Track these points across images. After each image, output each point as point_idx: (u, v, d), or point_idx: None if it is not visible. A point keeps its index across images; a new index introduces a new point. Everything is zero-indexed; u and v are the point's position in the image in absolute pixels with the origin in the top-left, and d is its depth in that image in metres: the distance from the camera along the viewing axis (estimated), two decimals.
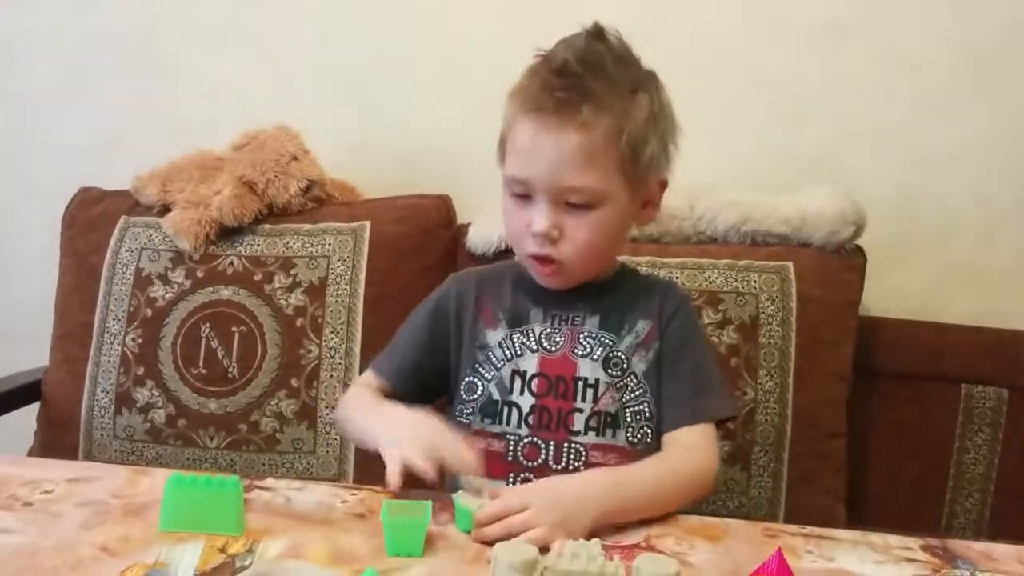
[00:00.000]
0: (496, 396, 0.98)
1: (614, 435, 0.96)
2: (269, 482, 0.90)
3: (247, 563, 0.72)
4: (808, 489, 1.30)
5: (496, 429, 0.98)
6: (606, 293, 1.01)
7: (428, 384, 1.04)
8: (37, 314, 1.50)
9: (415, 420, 0.90)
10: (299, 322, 1.38)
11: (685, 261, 1.37)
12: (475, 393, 0.99)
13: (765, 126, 1.51)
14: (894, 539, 0.83)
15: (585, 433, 0.96)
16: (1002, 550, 0.82)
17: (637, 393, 0.98)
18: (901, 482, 1.38)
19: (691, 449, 0.95)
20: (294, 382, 1.36)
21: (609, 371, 0.97)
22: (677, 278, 1.35)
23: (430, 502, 0.78)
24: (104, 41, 1.64)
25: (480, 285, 1.05)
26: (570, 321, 1.00)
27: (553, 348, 0.98)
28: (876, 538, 0.83)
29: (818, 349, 1.33)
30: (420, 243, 1.43)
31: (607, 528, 0.82)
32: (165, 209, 1.44)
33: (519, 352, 0.99)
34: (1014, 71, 1.46)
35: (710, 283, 1.35)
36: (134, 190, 1.48)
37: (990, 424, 1.38)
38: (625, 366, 0.98)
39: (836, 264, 1.37)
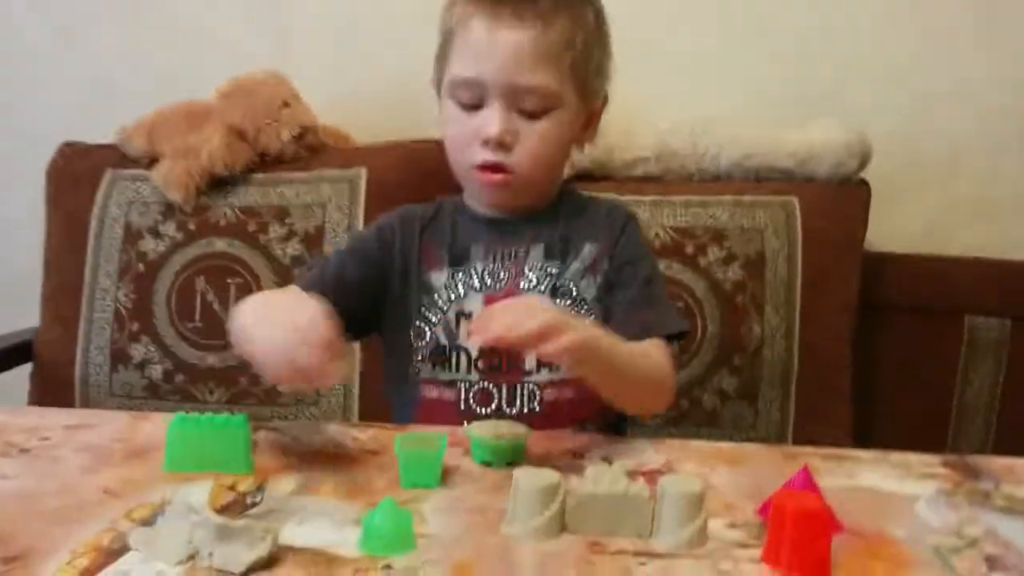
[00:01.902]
0: (443, 341, 0.93)
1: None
2: (275, 423, 0.88)
3: (258, 499, 0.69)
4: (815, 423, 1.30)
5: (446, 376, 0.93)
6: (549, 219, 0.96)
7: (362, 307, 0.93)
8: (25, 272, 1.46)
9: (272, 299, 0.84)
10: (296, 272, 1.35)
11: (689, 199, 1.35)
12: (423, 339, 0.95)
13: (768, 64, 1.48)
14: (914, 457, 0.82)
15: (538, 371, 0.91)
16: (1022, 464, 0.81)
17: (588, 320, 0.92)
18: (906, 414, 1.38)
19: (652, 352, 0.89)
20: None
21: (557, 301, 0.92)
22: (682, 216, 1.33)
23: (445, 434, 0.76)
24: None
25: (424, 223, 0.99)
26: (513, 255, 0.95)
27: (497, 285, 0.94)
28: (896, 456, 0.82)
29: (824, 284, 1.32)
30: (417, 188, 1.38)
31: (628, 456, 0.80)
32: (153, 161, 1.40)
33: (463, 293, 0.94)
34: (1018, 5, 1.43)
35: (714, 220, 1.33)
36: (120, 142, 1.43)
37: (994, 355, 1.38)
38: (574, 293, 0.93)
39: (841, 198, 1.35)
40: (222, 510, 0.67)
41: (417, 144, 1.44)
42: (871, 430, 1.35)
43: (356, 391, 1.33)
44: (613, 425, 0.96)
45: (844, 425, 1.31)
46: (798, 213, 1.33)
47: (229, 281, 1.36)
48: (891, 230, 1.45)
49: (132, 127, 1.43)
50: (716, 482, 0.74)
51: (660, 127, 1.40)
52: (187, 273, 1.36)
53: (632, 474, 0.70)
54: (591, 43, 0.91)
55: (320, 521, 0.65)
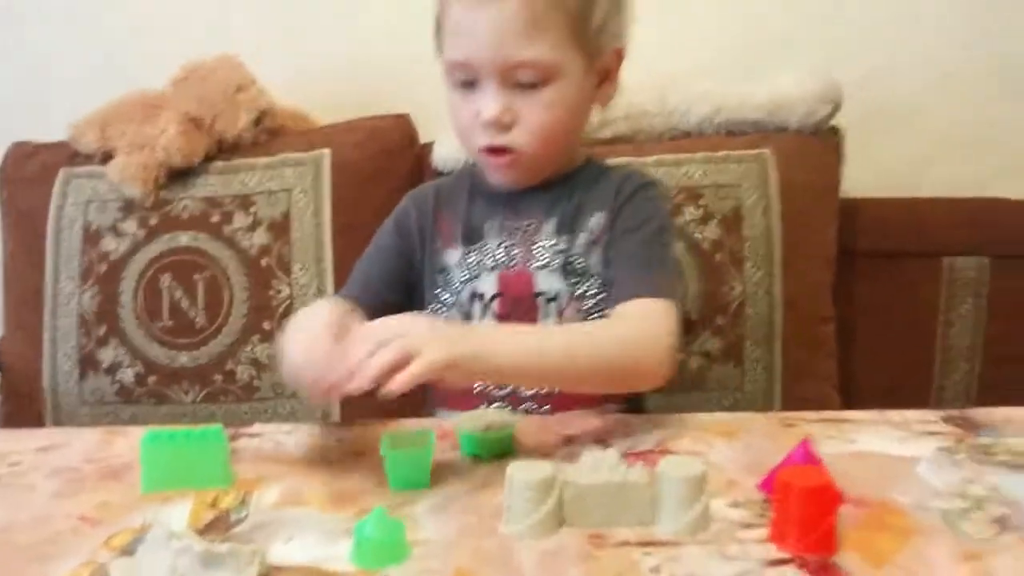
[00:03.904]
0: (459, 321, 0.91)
1: None
2: (256, 428, 0.84)
3: (243, 515, 0.66)
4: (802, 379, 1.29)
5: None
6: (564, 191, 0.92)
7: (397, 305, 0.94)
8: None
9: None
10: (265, 261, 1.31)
11: (662, 158, 1.32)
12: None
13: (733, 15, 1.46)
14: (912, 414, 0.81)
15: None
16: (1020, 413, 0.80)
17: (600, 297, 0.89)
18: (889, 360, 1.37)
19: (634, 319, 0.81)
20: (267, 325, 1.30)
21: (568, 279, 0.89)
22: (655, 176, 1.30)
23: (432, 430, 0.73)
24: None
25: (438, 200, 0.96)
26: (523, 230, 0.91)
27: (511, 263, 0.91)
28: (894, 415, 0.81)
29: (802, 235, 1.31)
30: (384, 166, 1.36)
31: (619, 436, 0.78)
32: (107, 156, 1.35)
33: (475, 273, 0.91)
34: None
35: (689, 178, 1.30)
36: (71, 139, 1.38)
37: (973, 294, 1.37)
38: (584, 268, 0.90)
39: (814, 146, 1.34)
40: (205, 530, 0.64)
41: (379, 120, 1.40)
42: (856, 380, 1.34)
43: None
44: (633, 402, 0.93)
45: (831, 378, 1.30)
46: (771, 165, 1.31)
47: (196, 276, 1.31)
48: (864, 176, 1.43)
49: (83, 122, 1.37)
50: (715, 458, 0.73)
51: (628, 85, 1.37)
52: (152, 271, 1.32)
53: (628, 457, 0.68)
54: None
55: (309, 535, 0.63)
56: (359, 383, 0.67)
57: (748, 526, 0.62)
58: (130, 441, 0.80)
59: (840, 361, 1.32)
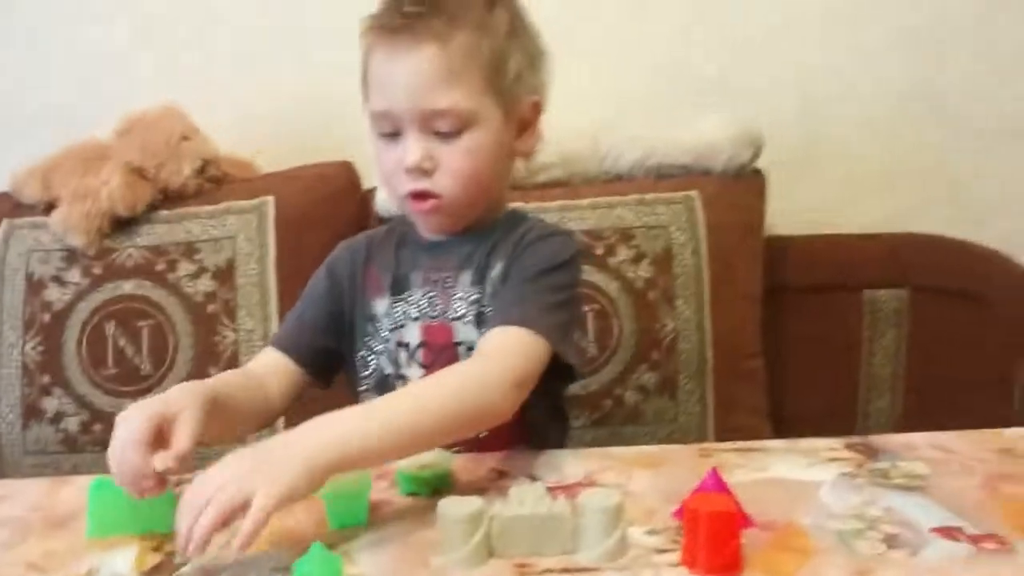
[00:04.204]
0: (388, 370, 0.94)
1: None
2: (198, 473, 0.87)
3: (187, 559, 0.69)
4: (733, 410, 1.35)
5: None
6: (482, 242, 0.93)
7: (331, 350, 0.97)
8: None
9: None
10: (210, 308, 1.33)
11: (596, 200, 1.38)
12: (367, 369, 0.96)
13: (658, 59, 1.52)
14: (820, 442, 0.86)
15: None
16: (919, 438, 0.86)
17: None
18: (817, 391, 1.43)
19: (478, 360, 0.82)
20: (212, 371, 1.31)
21: (482, 329, 0.89)
22: (588, 219, 1.36)
23: (369, 471, 0.76)
24: None
25: (369, 250, 1.00)
26: (442, 283, 0.93)
27: (434, 313, 0.93)
28: (804, 443, 0.86)
29: (729, 273, 1.37)
30: (327, 212, 1.39)
31: (550, 471, 0.82)
32: (50, 207, 1.37)
33: (401, 322, 0.94)
34: None
35: (621, 220, 1.36)
36: (13, 190, 1.40)
37: (895, 325, 1.44)
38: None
39: (738, 188, 1.40)
40: (150, 574, 0.66)
41: (322, 167, 1.44)
42: (786, 410, 1.40)
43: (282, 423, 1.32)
44: (556, 436, 0.97)
45: (760, 410, 1.36)
46: (699, 207, 1.37)
47: (140, 324, 1.33)
48: (790, 213, 1.50)
49: (25, 172, 1.39)
50: (635, 488, 0.77)
51: (561, 133, 1.43)
52: (96, 319, 1.34)
53: (553, 491, 0.73)
54: (503, 48, 0.89)
55: (252, 575, 0.66)
56: (196, 551, 0.64)
57: (663, 551, 0.66)
58: (76, 489, 0.82)
59: (770, 392, 1.38)
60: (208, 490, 0.65)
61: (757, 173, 1.42)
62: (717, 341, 1.35)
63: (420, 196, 0.90)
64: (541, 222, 0.99)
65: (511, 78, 0.90)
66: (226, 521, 0.64)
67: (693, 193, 1.38)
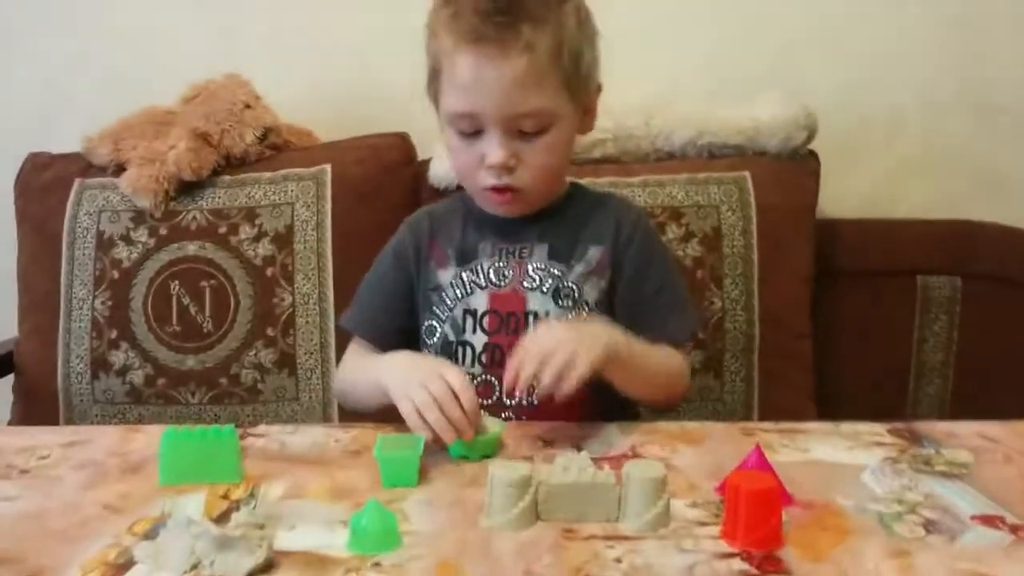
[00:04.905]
0: (452, 337, 0.98)
1: None
2: (261, 428, 0.92)
3: (251, 507, 0.74)
4: (779, 390, 1.36)
5: None
6: (555, 218, 0.99)
7: (404, 330, 1.03)
8: (1, 284, 1.48)
9: (416, 362, 0.89)
10: (269, 271, 1.38)
11: (646, 179, 1.39)
12: (434, 336, 1.00)
13: (715, 41, 1.52)
14: (863, 426, 0.88)
15: None
16: (963, 427, 0.87)
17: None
18: (866, 375, 1.43)
19: (677, 358, 0.97)
20: (270, 331, 1.37)
21: (560, 303, 0.96)
22: (639, 196, 1.37)
23: (422, 435, 0.80)
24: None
25: (432, 225, 1.04)
26: (517, 253, 0.99)
27: (502, 283, 0.98)
28: (846, 427, 0.88)
29: (780, 254, 1.37)
30: (382, 182, 1.43)
31: (595, 442, 0.85)
32: (119, 169, 1.42)
33: (469, 290, 0.98)
34: None
35: (671, 198, 1.37)
36: (85, 151, 1.45)
37: (946, 312, 1.43)
38: (576, 296, 0.97)
39: (791, 170, 1.40)
40: (218, 519, 0.71)
41: (379, 138, 1.47)
42: (834, 393, 1.40)
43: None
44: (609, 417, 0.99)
45: (807, 391, 1.37)
46: (751, 187, 1.38)
47: (203, 284, 1.38)
48: (841, 197, 1.50)
49: (97, 136, 1.44)
50: (679, 463, 0.80)
51: (615, 108, 1.44)
52: (161, 278, 1.39)
53: (598, 461, 0.75)
54: (577, 47, 0.92)
55: (310, 525, 0.70)
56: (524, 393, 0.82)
57: (703, 524, 0.69)
58: (147, 438, 0.87)
59: (818, 374, 1.39)
60: (545, 348, 0.80)
61: (812, 155, 1.41)
62: (764, 321, 1.35)
63: (501, 190, 0.94)
64: (616, 199, 1.07)
65: (585, 72, 0.94)
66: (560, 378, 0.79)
67: (745, 173, 1.38)
